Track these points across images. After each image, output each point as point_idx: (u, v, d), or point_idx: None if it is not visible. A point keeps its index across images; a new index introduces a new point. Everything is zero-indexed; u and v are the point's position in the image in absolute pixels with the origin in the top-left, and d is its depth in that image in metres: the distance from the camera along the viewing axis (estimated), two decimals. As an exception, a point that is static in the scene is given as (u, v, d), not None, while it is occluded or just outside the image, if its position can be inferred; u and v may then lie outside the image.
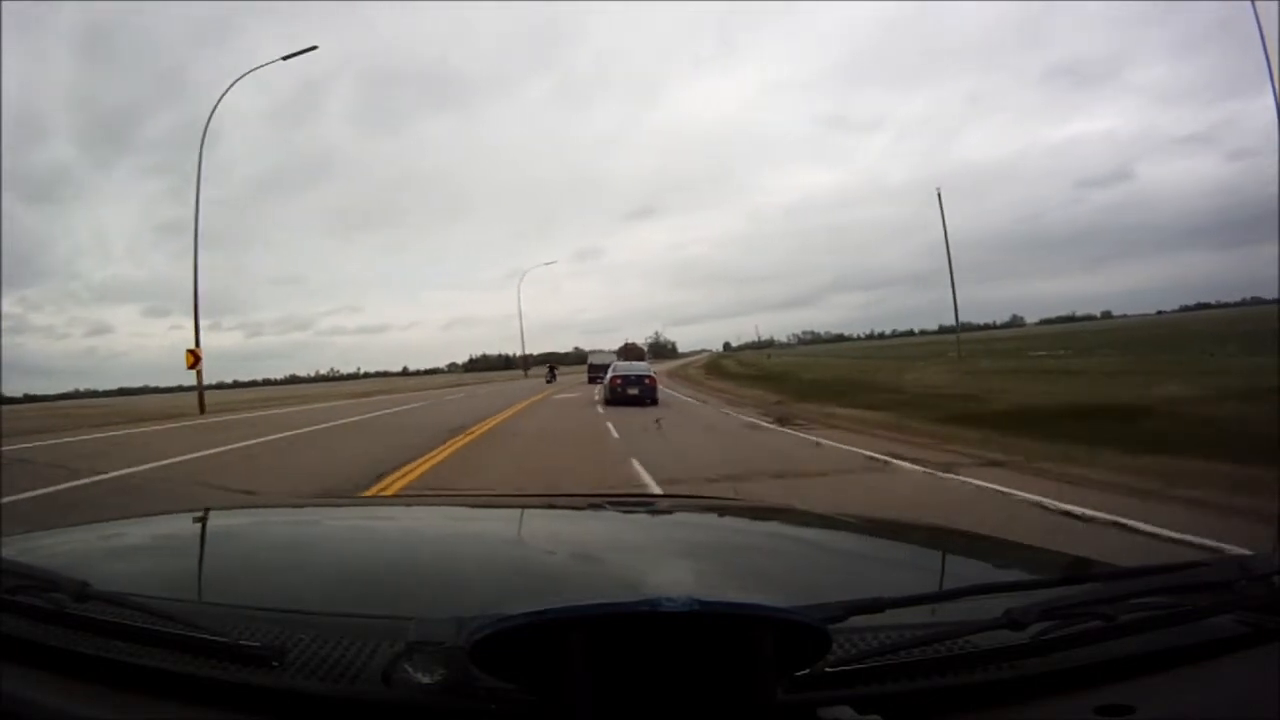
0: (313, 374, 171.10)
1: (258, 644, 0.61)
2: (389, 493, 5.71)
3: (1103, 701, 0.58)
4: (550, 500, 1.44)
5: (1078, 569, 0.91)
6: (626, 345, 51.85)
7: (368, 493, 5.72)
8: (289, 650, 0.60)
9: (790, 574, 0.98)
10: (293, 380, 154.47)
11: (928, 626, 0.62)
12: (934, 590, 0.69)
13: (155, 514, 1.47)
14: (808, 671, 0.56)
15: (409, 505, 1.61)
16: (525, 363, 65.00)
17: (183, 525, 1.33)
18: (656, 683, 0.52)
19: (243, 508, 2.31)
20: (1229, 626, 0.68)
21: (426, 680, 0.54)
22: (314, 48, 20.82)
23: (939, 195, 29.88)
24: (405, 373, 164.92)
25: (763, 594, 0.81)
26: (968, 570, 1.01)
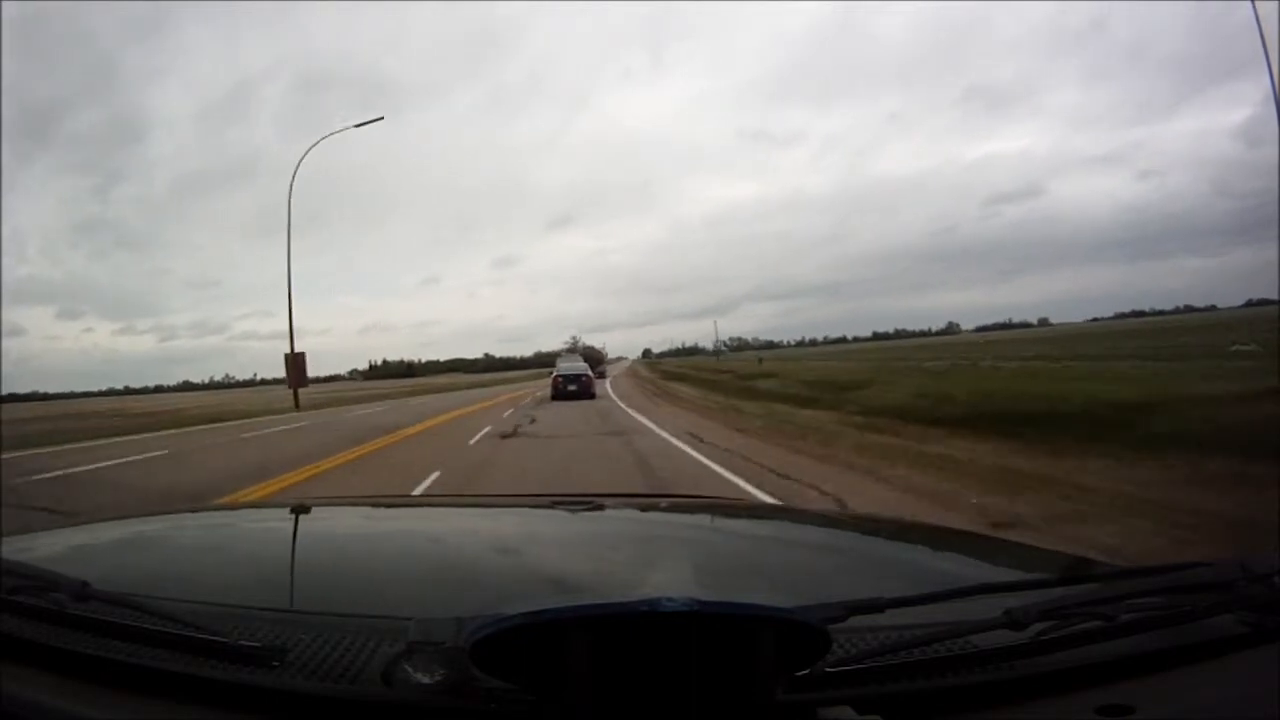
0: (207, 380, 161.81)
1: (258, 644, 0.61)
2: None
3: (1103, 701, 0.58)
4: (550, 500, 1.44)
5: (1078, 569, 0.90)
6: (587, 348, 57.12)
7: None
8: (289, 650, 0.60)
9: (790, 574, 0.98)
10: (186, 387, 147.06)
11: (928, 626, 0.62)
12: (934, 590, 0.69)
13: (155, 514, 1.47)
14: (808, 672, 0.56)
15: (409, 505, 1.61)
16: (298, 371, 24.31)
17: (183, 525, 1.33)
18: (657, 683, 0.52)
19: (243, 508, 2.31)
20: (1229, 626, 0.67)
21: (426, 680, 0.54)
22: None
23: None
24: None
25: (763, 594, 0.81)
26: (968, 570, 1.00)
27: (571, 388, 20.20)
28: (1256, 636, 0.67)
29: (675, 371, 44.16)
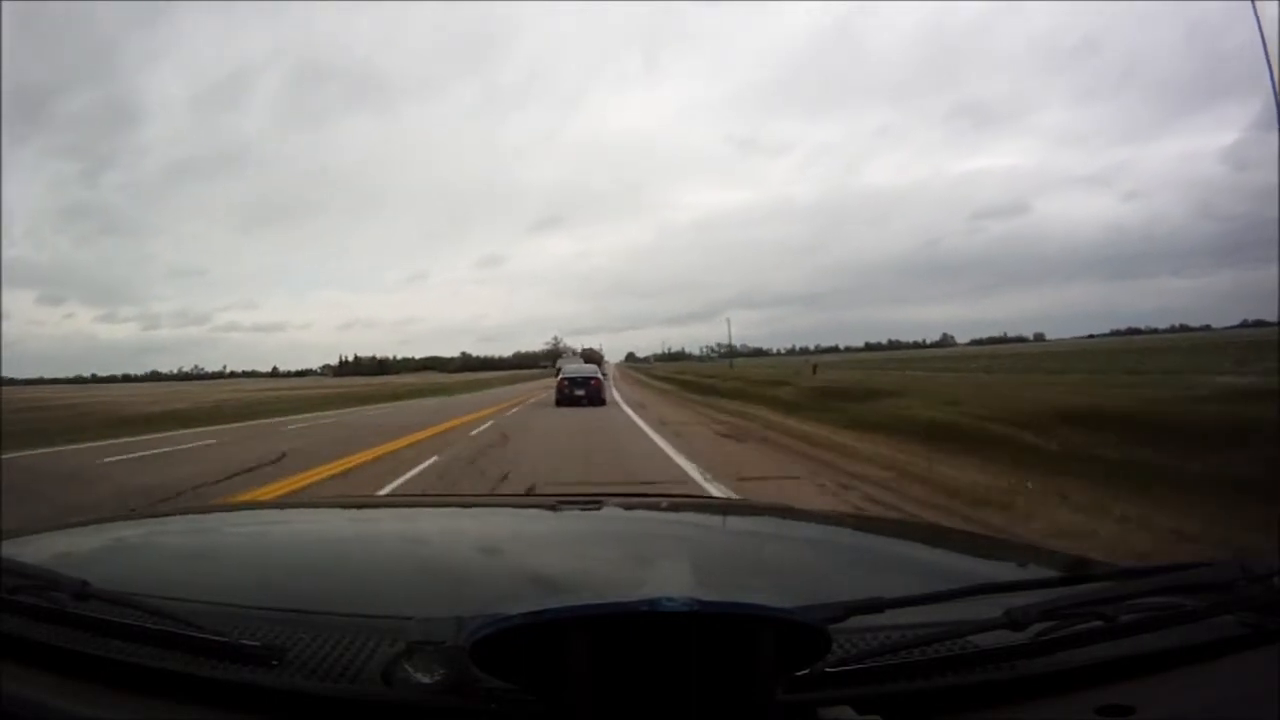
0: (176, 370, 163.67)
1: (258, 644, 0.61)
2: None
3: (1103, 702, 0.58)
4: (551, 500, 1.44)
5: (1078, 569, 0.91)
6: (587, 350, 57.42)
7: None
8: (289, 650, 0.60)
9: (790, 574, 0.98)
10: (154, 377, 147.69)
11: (928, 626, 0.62)
12: (934, 590, 0.69)
13: (155, 514, 1.47)
14: (808, 672, 0.56)
15: (408, 505, 1.61)
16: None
17: (183, 525, 1.33)
18: (657, 683, 0.52)
19: (242, 508, 2.31)
20: (1229, 627, 0.68)
21: (426, 680, 0.54)
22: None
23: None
24: (275, 373, 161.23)
25: (763, 594, 0.81)
26: (968, 570, 1.00)
27: (579, 392, 19.16)
28: (1256, 637, 0.67)
29: (685, 379, 33.13)
